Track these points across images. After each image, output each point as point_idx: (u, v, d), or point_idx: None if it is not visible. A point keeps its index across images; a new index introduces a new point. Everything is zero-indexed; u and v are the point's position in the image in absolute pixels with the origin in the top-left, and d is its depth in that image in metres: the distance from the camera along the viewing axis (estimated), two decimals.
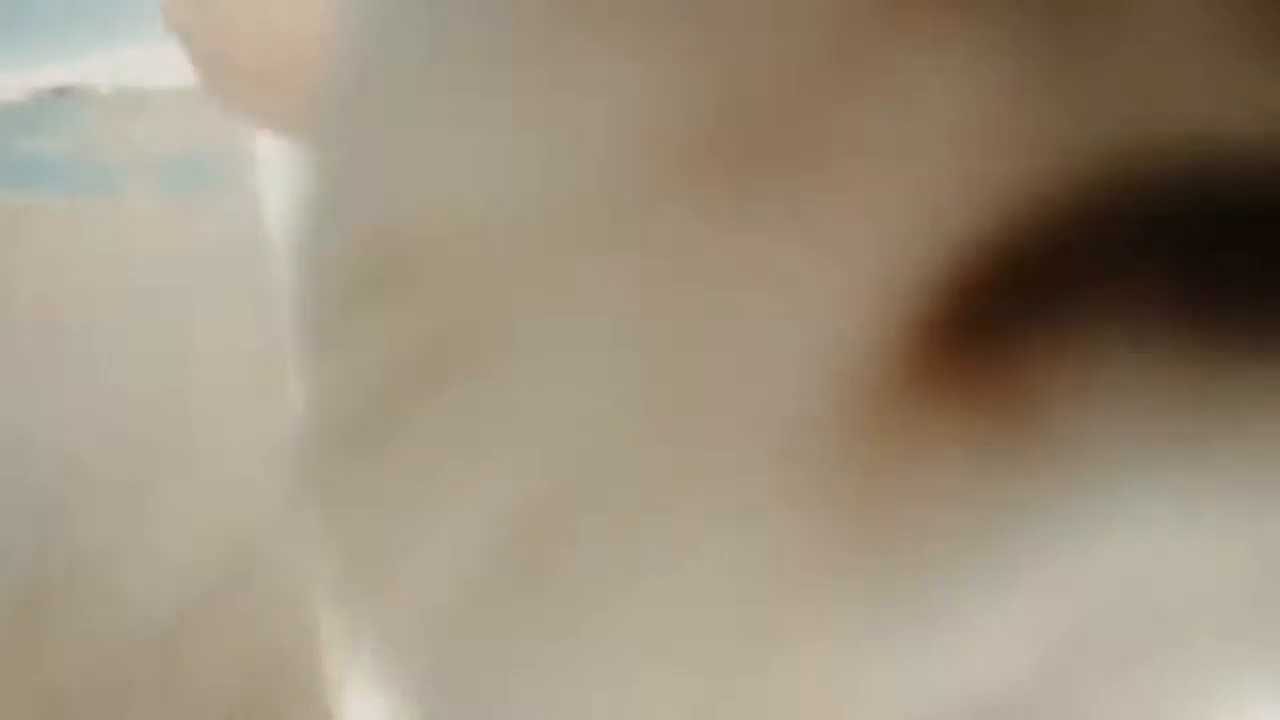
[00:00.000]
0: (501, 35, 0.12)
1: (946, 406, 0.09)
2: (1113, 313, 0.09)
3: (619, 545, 0.11)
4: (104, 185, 0.26)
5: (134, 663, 0.31)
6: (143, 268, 0.27)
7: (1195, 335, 0.09)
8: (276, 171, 0.28)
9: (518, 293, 0.11)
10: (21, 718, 0.32)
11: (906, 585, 0.10)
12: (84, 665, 0.32)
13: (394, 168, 0.11)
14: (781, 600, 0.10)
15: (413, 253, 0.11)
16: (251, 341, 0.28)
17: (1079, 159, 0.10)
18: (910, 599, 0.10)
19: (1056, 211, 0.09)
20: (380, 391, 0.11)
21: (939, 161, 0.09)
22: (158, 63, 0.28)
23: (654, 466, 0.10)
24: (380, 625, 0.12)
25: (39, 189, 0.25)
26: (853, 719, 0.11)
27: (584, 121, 0.11)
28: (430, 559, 0.11)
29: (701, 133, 0.10)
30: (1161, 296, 0.09)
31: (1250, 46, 0.10)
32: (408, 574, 0.12)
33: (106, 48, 0.26)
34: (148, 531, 0.30)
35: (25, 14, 0.25)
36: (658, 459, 0.10)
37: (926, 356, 0.09)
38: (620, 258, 0.10)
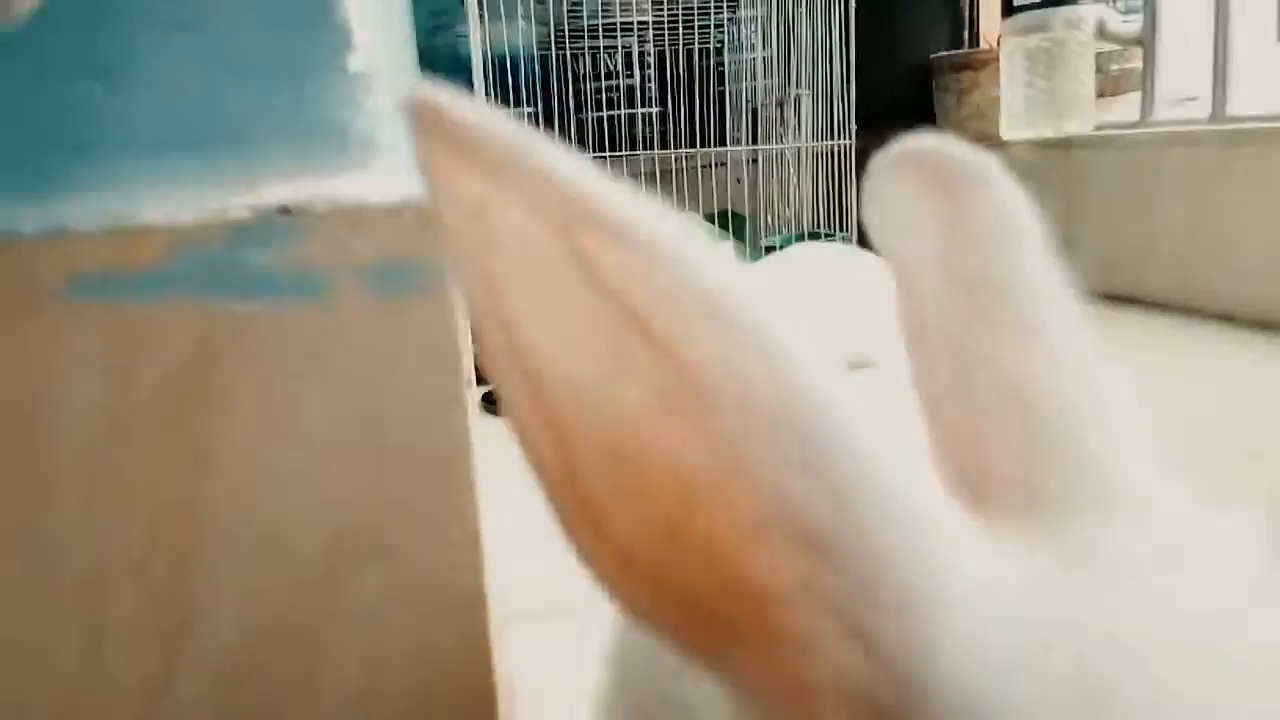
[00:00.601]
0: None
1: None
2: None
3: None
4: (322, 292, 0.29)
5: None
6: (348, 363, 0.30)
7: None
8: None
9: None
10: None
11: None
12: None
13: None
14: None
15: None
16: (441, 437, 0.30)
17: None
18: None
19: None
20: None
21: None
22: (372, 183, 0.31)
23: None
24: None
25: (263, 298, 0.28)
26: None
27: None
28: None
29: None
30: None
31: None
32: None
33: (322, 170, 0.30)
34: (338, 618, 0.32)
35: (246, 137, 0.29)
36: None
37: None
38: None
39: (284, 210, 0.30)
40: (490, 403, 1.20)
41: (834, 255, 1.09)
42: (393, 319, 0.30)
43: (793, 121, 1.69)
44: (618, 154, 1.76)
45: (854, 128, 1.48)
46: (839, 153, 1.49)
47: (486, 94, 1.93)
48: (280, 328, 0.29)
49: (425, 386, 0.32)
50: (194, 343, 0.30)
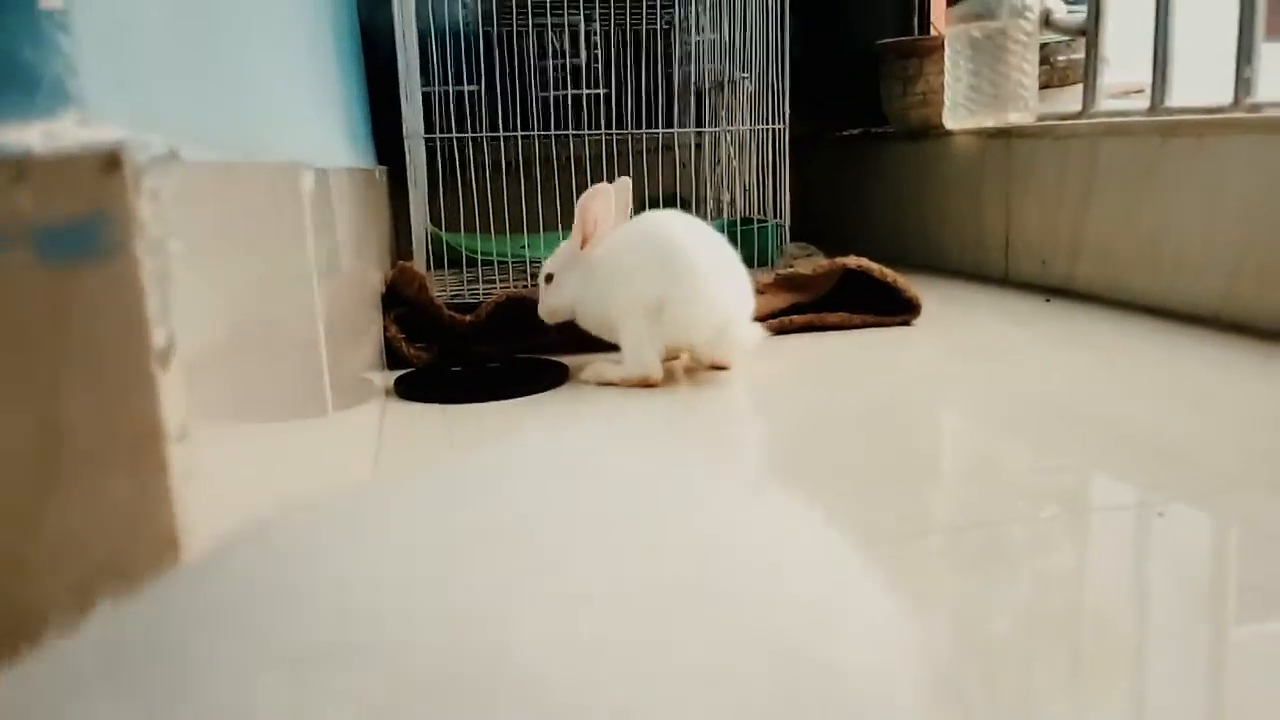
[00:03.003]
0: None
1: None
2: None
3: None
4: None
5: None
6: (7, 340, 0.26)
7: None
8: None
9: None
10: None
11: None
12: None
13: None
14: None
15: None
16: (124, 424, 0.26)
17: None
18: None
19: None
20: None
21: None
22: (54, 131, 0.28)
23: None
24: None
25: None
26: None
27: None
28: None
29: None
30: None
31: None
32: None
33: None
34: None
35: None
36: None
37: None
38: None
39: None
40: (405, 386, 1.16)
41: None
42: (63, 287, 0.27)
43: (736, 105, 1.66)
44: (563, 132, 1.71)
45: (787, 112, 1.45)
46: (774, 137, 1.46)
47: (427, 72, 1.88)
48: None
49: (104, 367, 0.28)
50: None
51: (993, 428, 0.96)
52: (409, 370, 1.25)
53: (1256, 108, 1.34)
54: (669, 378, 1.17)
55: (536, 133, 1.67)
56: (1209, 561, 0.65)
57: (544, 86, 2.18)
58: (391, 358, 1.28)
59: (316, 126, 0.94)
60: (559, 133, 1.67)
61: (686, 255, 1.12)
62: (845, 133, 2.40)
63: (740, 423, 1.07)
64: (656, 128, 1.78)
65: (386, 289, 1.36)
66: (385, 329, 1.28)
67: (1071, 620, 0.57)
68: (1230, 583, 0.61)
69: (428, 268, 1.67)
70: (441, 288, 1.46)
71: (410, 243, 1.48)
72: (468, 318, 1.32)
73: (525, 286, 1.44)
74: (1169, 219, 1.41)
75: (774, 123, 1.47)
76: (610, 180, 1.20)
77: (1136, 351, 1.23)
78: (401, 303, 1.34)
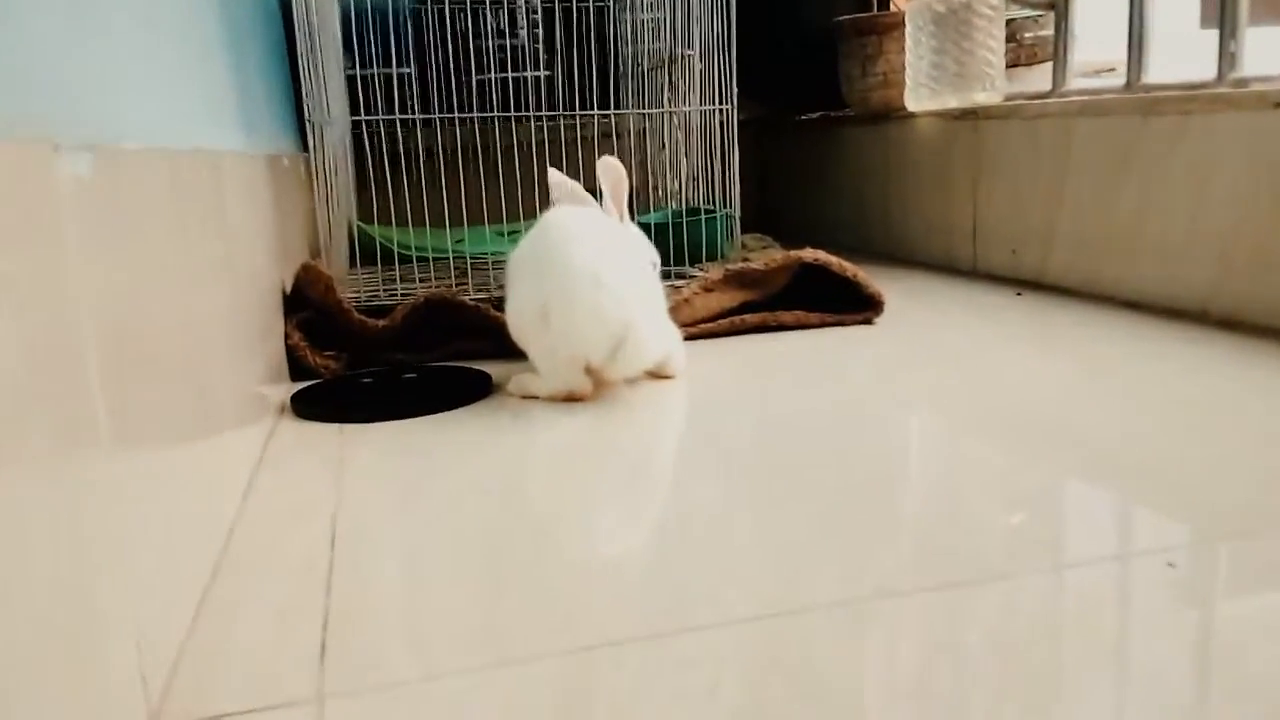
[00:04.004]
0: None
1: None
2: None
3: None
4: None
5: None
6: None
7: None
8: None
9: None
10: None
11: None
12: None
13: None
14: None
15: None
16: None
17: None
18: None
19: None
20: None
21: None
22: None
23: None
24: None
25: None
26: None
27: None
28: None
29: None
30: None
31: None
32: None
33: None
34: None
35: None
36: None
37: None
38: None
39: None
40: (303, 402, 1.03)
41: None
42: None
43: (681, 86, 1.53)
44: (505, 114, 1.57)
45: (735, 92, 1.32)
46: (722, 119, 1.33)
47: (353, 52, 1.73)
48: None
49: None
50: None
51: (960, 449, 0.84)
52: (312, 383, 1.11)
53: (1243, 83, 1.23)
54: (605, 388, 1.04)
55: (473, 115, 1.53)
56: (1248, 641, 0.53)
57: (480, 69, 2.04)
58: (295, 368, 1.14)
59: (182, 104, 0.80)
60: (499, 115, 1.53)
61: (567, 259, 0.99)
62: (803, 117, 2.28)
63: (672, 440, 0.94)
64: (593, 109, 1.65)
65: (291, 291, 1.22)
66: (287, 336, 1.14)
67: None
68: None
69: (353, 266, 1.53)
70: (356, 289, 1.32)
71: (338, 236, 1.33)
72: (380, 322, 1.18)
73: (449, 287, 1.30)
74: (1151, 204, 1.30)
75: (721, 103, 1.34)
76: (555, 167, 1.09)
77: (1118, 352, 1.12)
78: (307, 306, 1.20)
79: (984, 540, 0.63)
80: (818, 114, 2.22)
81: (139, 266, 0.55)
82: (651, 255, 1.12)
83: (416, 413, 0.99)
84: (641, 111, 1.64)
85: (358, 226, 1.57)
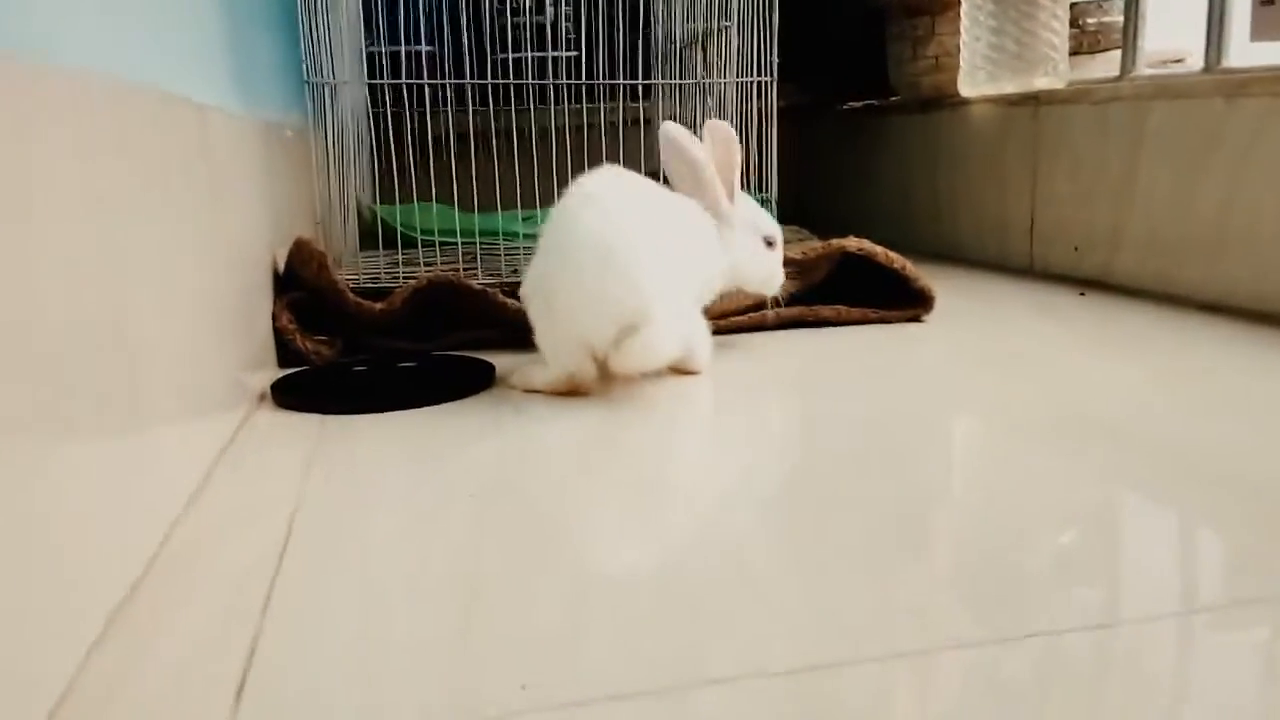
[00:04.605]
0: None
1: None
2: None
3: None
4: None
5: None
6: None
7: None
8: None
9: None
10: None
11: None
12: None
13: None
14: None
15: None
16: None
17: None
18: None
19: None
20: None
21: None
22: None
23: None
24: None
25: None
26: None
27: None
28: None
29: None
30: None
31: None
32: None
33: None
34: None
35: None
36: None
37: None
38: None
39: None
40: (285, 391, 0.92)
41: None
42: None
43: (717, 63, 1.41)
44: (542, 105, 1.47)
45: (775, 62, 1.21)
46: (760, 92, 1.21)
47: (371, 30, 1.64)
48: None
49: None
50: None
51: (1023, 464, 0.72)
52: (298, 370, 1.01)
53: None
54: (616, 383, 0.92)
55: (500, 108, 1.42)
56: None
57: (504, 48, 1.94)
58: (284, 353, 1.04)
59: (151, 38, 0.70)
60: (518, 84, 1.42)
61: (574, 230, 0.86)
62: (848, 105, 2.15)
63: (690, 448, 0.82)
64: (634, 100, 1.54)
65: (284, 270, 1.12)
66: (275, 318, 1.04)
67: None
68: None
69: (371, 248, 1.42)
70: (357, 271, 1.22)
71: (339, 214, 1.23)
72: (378, 305, 1.08)
73: (457, 270, 1.19)
74: (1236, 197, 1.17)
75: (761, 74, 1.23)
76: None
77: (1199, 360, 0.99)
78: (299, 286, 1.10)
79: (1038, 585, 0.51)
80: (862, 103, 2.09)
81: (36, 209, 0.45)
82: (767, 229, 1.04)
83: (406, 405, 0.89)
84: (673, 83, 1.53)
85: (370, 210, 1.47)
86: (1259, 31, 1.22)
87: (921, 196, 1.86)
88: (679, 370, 0.97)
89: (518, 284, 0.96)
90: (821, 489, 0.65)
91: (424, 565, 0.55)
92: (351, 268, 1.28)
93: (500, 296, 1.09)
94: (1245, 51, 1.26)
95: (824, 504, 0.63)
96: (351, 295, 1.08)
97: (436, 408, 0.89)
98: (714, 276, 1.00)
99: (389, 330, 1.09)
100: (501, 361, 1.01)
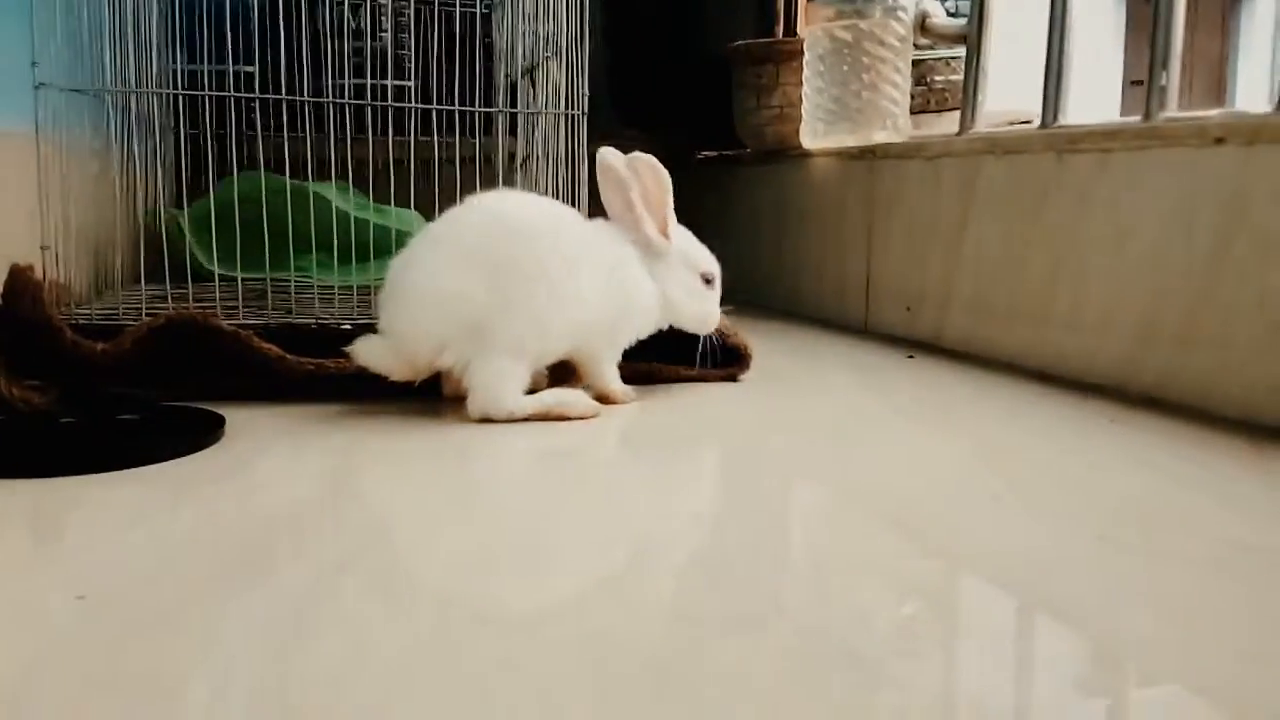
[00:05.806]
0: None
1: None
2: None
3: None
4: None
5: None
6: None
7: None
8: None
9: None
10: None
11: None
12: None
13: None
14: None
15: None
16: None
17: None
18: None
19: None
20: None
21: None
22: None
23: None
24: None
25: None
26: None
27: None
28: None
29: None
30: None
31: None
32: None
33: None
34: None
35: None
36: None
37: None
38: None
39: None
40: None
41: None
42: None
43: (543, 93, 1.31)
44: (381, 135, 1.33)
45: (585, 96, 1.11)
46: (571, 125, 1.11)
47: (193, 49, 1.49)
48: None
49: None
50: None
51: (820, 548, 0.61)
52: None
53: (1173, 121, 1.05)
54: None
55: (334, 136, 1.29)
56: None
57: (341, 73, 1.80)
58: None
59: None
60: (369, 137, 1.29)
61: (407, 249, 0.94)
62: (702, 155, 2.08)
63: (437, 552, 0.70)
64: (460, 112, 1.42)
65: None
66: None
67: None
68: None
69: (159, 281, 1.24)
70: (93, 306, 1.06)
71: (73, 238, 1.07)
72: (100, 346, 0.92)
73: (211, 311, 1.04)
74: (1065, 258, 1.11)
75: (569, 108, 1.13)
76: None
77: (1023, 431, 0.91)
78: (13, 322, 0.93)
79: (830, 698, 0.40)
80: (716, 153, 2.03)
81: None
82: (705, 266, 1.08)
83: (100, 466, 0.74)
84: (492, 111, 1.42)
85: (176, 223, 1.30)
86: (1128, 110, 1.18)
87: (768, 250, 1.79)
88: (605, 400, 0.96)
89: (305, 325, 0.97)
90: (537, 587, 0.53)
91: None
92: (109, 300, 1.13)
93: (256, 341, 0.95)
94: (1087, 115, 1.22)
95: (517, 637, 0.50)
96: (70, 333, 0.92)
97: (131, 470, 0.74)
98: (631, 311, 0.97)
99: (117, 375, 0.94)
100: (243, 415, 0.87)
